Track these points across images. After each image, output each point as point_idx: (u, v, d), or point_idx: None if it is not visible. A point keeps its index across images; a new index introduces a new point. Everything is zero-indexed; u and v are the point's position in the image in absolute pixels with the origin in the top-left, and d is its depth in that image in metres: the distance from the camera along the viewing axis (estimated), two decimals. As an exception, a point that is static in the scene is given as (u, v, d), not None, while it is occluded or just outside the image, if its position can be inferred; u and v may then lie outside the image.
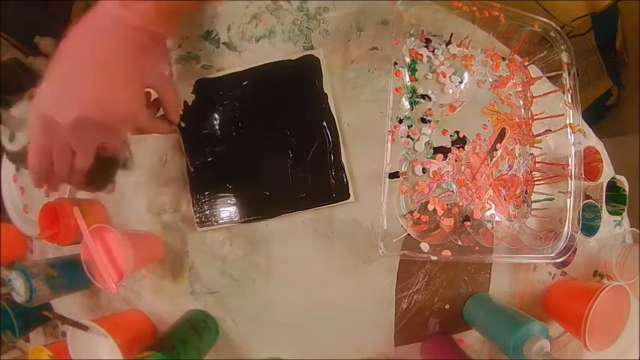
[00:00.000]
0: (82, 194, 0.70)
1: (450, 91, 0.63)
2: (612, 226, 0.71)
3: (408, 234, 0.57)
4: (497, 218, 0.61)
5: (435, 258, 0.56)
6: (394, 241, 0.56)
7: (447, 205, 0.59)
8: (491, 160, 0.61)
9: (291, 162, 0.64)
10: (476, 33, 0.63)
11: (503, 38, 0.65)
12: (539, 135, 0.64)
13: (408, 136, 0.60)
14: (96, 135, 0.39)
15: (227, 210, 0.65)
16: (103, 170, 0.51)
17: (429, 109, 0.62)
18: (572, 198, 0.59)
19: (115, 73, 0.37)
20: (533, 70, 0.67)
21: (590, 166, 0.67)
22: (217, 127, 0.66)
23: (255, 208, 0.64)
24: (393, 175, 0.56)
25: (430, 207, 0.58)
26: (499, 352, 0.57)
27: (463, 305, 0.65)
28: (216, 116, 0.66)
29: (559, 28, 0.62)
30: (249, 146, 0.65)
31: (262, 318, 0.65)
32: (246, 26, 0.68)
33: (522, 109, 0.65)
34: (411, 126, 0.60)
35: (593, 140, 0.71)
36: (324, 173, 0.63)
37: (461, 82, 0.63)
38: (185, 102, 0.67)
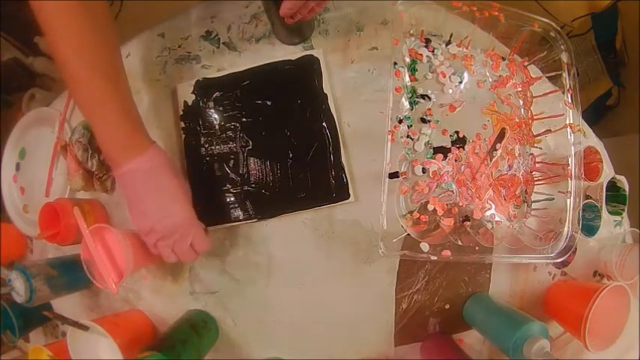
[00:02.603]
0: (82, 194, 0.70)
1: (450, 91, 0.63)
2: (612, 226, 0.71)
3: (408, 234, 0.57)
4: (497, 218, 0.61)
5: (435, 258, 0.56)
6: (394, 241, 0.56)
7: (446, 205, 0.59)
8: (491, 160, 0.61)
9: (291, 162, 0.64)
10: (476, 33, 0.63)
11: (503, 38, 0.65)
12: (539, 135, 0.64)
13: (408, 136, 0.60)
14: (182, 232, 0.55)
15: (227, 210, 0.65)
16: None
17: (429, 109, 0.62)
18: (572, 198, 0.59)
19: (168, 195, 0.54)
20: (533, 70, 0.67)
21: (590, 166, 0.67)
22: (217, 127, 0.66)
23: (255, 208, 0.64)
24: (393, 175, 0.56)
25: (430, 207, 0.58)
26: (499, 352, 0.57)
27: (463, 305, 0.65)
28: (216, 116, 0.66)
29: (559, 28, 0.62)
30: (249, 146, 0.65)
31: (262, 318, 0.65)
32: (246, 26, 0.68)
33: (522, 109, 0.65)
34: (411, 126, 0.60)
35: (593, 140, 0.71)
36: (324, 173, 0.63)
37: (461, 82, 0.63)
38: (185, 102, 0.67)
